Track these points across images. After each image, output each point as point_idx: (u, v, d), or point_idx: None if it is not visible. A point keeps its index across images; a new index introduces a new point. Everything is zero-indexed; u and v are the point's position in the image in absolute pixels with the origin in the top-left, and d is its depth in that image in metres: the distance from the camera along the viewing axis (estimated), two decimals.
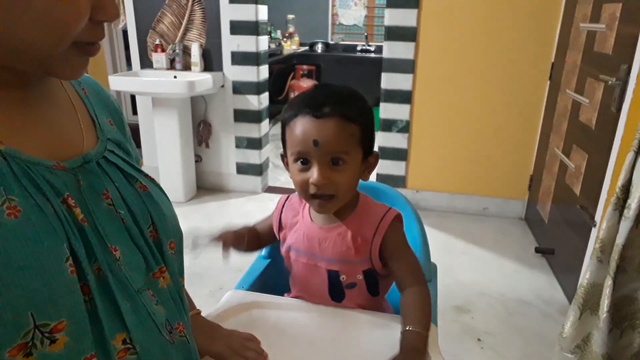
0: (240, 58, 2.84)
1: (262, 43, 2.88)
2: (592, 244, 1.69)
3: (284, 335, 0.83)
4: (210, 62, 2.89)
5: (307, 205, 0.90)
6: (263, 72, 2.94)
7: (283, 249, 0.95)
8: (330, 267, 0.88)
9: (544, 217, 2.39)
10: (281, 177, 3.41)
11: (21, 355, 0.40)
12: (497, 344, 1.73)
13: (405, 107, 2.69)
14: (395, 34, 2.58)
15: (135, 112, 3.58)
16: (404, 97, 2.67)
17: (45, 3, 0.41)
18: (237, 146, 3.05)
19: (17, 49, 0.43)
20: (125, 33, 3.48)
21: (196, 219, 2.70)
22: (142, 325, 0.51)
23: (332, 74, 5.14)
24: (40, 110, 0.50)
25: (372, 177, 2.72)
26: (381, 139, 2.78)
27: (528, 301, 1.99)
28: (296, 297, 0.95)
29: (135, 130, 2.86)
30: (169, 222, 0.59)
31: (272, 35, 5.00)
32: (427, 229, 1.20)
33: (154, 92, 2.71)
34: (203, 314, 0.83)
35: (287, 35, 5.28)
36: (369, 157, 0.86)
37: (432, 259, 1.17)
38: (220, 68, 2.89)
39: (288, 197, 0.97)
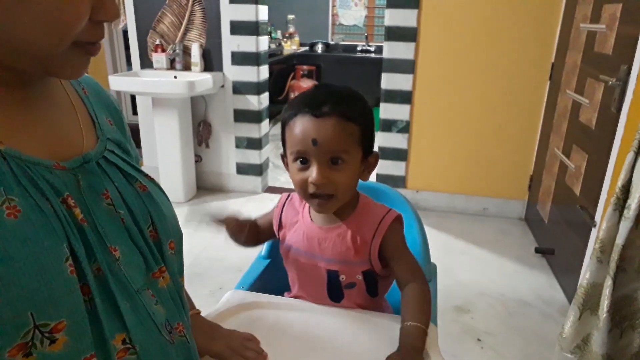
0: (240, 58, 2.85)
1: (262, 43, 2.88)
2: (592, 244, 1.69)
3: (283, 335, 0.83)
4: (211, 62, 2.89)
5: (307, 204, 0.90)
6: (263, 72, 2.94)
7: (282, 248, 0.95)
8: (330, 267, 0.88)
9: (544, 217, 2.39)
10: (281, 177, 3.41)
11: (21, 355, 0.40)
12: (497, 344, 1.73)
13: (405, 108, 2.69)
14: (396, 34, 2.58)
15: (135, 112, 3.58)
16: (404, 97, 2.68)
17: (45, 3, 0.41)
18: (237, 146, 3.05)
19: (18, 48, 0.43)
20: (125, 33, 3.48)
21: (196, 219, 2.70)
22: (141, 325, 0.51)
23: (332, 74, 5.14)
24: (40, 110, 0.50)
25: (372, 177, 2.72)
26: (381, 139, 2.78)
27: (528, 301, 1.99)
28: (295, 296, 0.95)
29: (135, 130, 2.86)
30: (168, 222, 0.59)
31: (272, 35, 5.00)
32: (427, 229, 1.20)
33: (154, 92, 2.71)
34: (203, 314, 0.83)
35: (287, 35, 5.28)
36: (368, 157, 0.86)
37: (432, 259, 1.17)
38: (220, 68, 2.89)
39: (289, 196, 0.97)
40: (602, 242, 1.34)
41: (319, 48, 5.30)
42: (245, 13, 2.74)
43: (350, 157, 0.81)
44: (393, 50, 2.61)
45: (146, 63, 2.99)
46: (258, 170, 3.08)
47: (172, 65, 2.92)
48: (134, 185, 0.57)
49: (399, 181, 2.84)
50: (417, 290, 0.83)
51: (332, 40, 5.49)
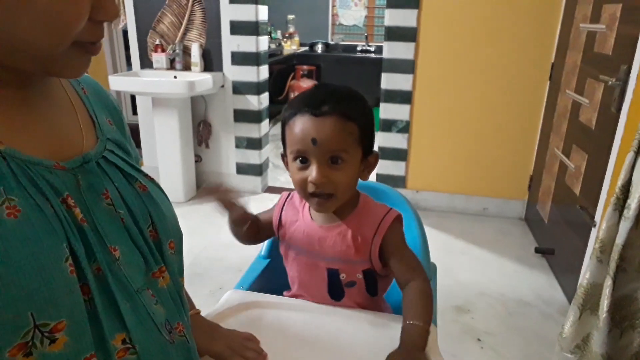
0: (240, 58, 2.85)
1: (262, 43, 2.88)
2: (592, 244, 1.69)
3: (283, 335, 0.83)
4: (210, 62, 2.89)
5: (308, 203, 0.90)
6: (263, 72, 2.94)
7: (282, 247, 0.95)
8: (330, 265, 0.88)
9: (544, 217, 2.39)
10: (281, 177, 3.41)
11: (21, 354, 0.40)
12: (497, 344, 1.73)
13: (405, 108, 2.69)
14: (396, 34, 2.58)
15: (135, 112, 3.58)
16: (404, 97, 2.68)
17: (45, 3, 0.41)
18: (237, 146, 3.05)
19: (18, 48, 0.43)
20: (125, 33, 3.48)
21: (196, 219, 2.70)
22: (141, 325, 0.51)
23: (332, 74, 5.14)
24: (40, 110, 0.50)
25: (372, 177, 2.72)
26: (381, 139, 2.78)
27: (528, 301, 1.99)
28: (295, 295, 0.95)
29: (135, 130, 2.86)
30: (168, 222, 0.59)
31: (272, 35, 5.00)
32: (427, 229, 1.20)
33: (154, 92, 2.71)
34: (203, 313, 0.83)
35: (287, 35, 5.28)
36: (368, 157, 0.86)
37: (432, 259, 1.17)
38: (220, 68, 2.89)
39: (289, 195, 0.97)
40: (602, 242, 1.34)
41: (319, 48, 5.30)
42: (245, 13, 2.74)
43: (349, 157, 0.81)
44: (393, 50, 2.61)
45: (146, 63, 2.99)
46: (258, 170, 3.08)
47: (172, 65, 2.92)
48: (133, 185, 0.57)
49: (399, 181, 2.84)
50: (418, 289, 0.83)
51: (332, 40, 5.49)
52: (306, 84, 4.75)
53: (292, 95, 4.69)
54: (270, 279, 1.08)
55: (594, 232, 1.70)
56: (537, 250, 2.36)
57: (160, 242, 0.57)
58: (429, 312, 0.80)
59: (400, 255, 0.87)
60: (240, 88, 2.91)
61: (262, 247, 1.14)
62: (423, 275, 0.86)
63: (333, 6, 5.46)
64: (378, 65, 2.83)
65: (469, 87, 2.60)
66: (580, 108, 1.99)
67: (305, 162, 0.81)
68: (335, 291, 0.90)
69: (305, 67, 4.98)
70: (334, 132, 0.78)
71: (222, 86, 2.92)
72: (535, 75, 2.51)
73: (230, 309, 0.89)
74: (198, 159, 3.09)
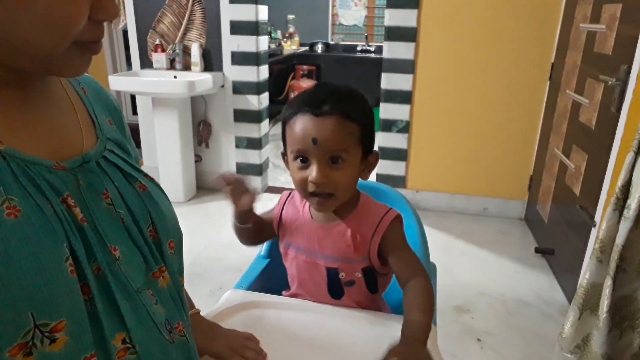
0: (240, 58, 2.85)
1: (262, 43, 2.88)
2: (592, 244, 1.69)
3: (283, 334, 0.83)
4: (210, 62, 2.89)
5: (308, 202, 0.90)
6: (263, 72, 2.94)
7: (282, 246, 0.95)
8: (330, 264, 0.88)
9: (544, 217, 2.39)
10: (281, 177, 3.41)
11: (21, 354, 0.40)
12: (497, 344, 1.73)
13: (405, 107, 2.69)
14: (395, 34, 2.58)
15: (135, 112, 3.58)
16: (404, 97, 2.68)
17: (45, 3, 0.41)
18: (237, 146, 3.05)
19: (18, 48, 0.43)
20: (125, 33, 3.48)
21: (196, 219, 2.70)
22: (141, 324, 0.51)
23: (332, 74, 5.14)
24: (40, 110, 0.50)
25: (372, 177, 2.72)
26: (381, 139, 2.78)
27: (528, 301, 1.99)
28: (295, 294, 0.95)
29: (135, 130, 2.86)
30: (168, 222, 0.59)
31: (272, 35, 5.00)
32: (427, 229, 1.20)
33: (154, 92, 2.71)
34: (203, 313, 0.83)
35: (287, 35, 5.28)
36: (368, 157, 0.86)
37: (432, 259, 1.17)
38: (220, 68, 2.89)
39: (290, 194, 0.97)
40: (602, 242, 1.34)
41: (319, 48, 5.30)
42: (245, 13, 2.74)
43: (350, 156, 0.81)
44: (393, 50, 2.61)
45: (146, 63, 2.99)
46: (258, 170, 3.08)
47: (172, 65, 2.92)
48: (133, 185, 0.57)
49: (398, 181, 2.84)
50: (420, 285, 0.82)
51: (332, 40, 5.49)
52: (306, 84, 4.75)
53: (292, 95, 4.68)
54: (270, 279, 1.08)
55: (594, 232, 1.70)
56: (537, 250, 2.36)
57: (160, 242, 0.57)
58: (430, 308, 0.80)
59: (400, 253, 0.87)
60: (240, 88, 2.91)
61: (262, 247, 1.14)
62: (424, 273, 0.85)
63: (333, 6, 5.46)
64: (378, 65, 2.83)
65: (469, 87, 2.60)
66: (580, 108, 1.99)
67: (305, 162, 0.81)
68: (335, 290, 0.90)
69: (305, 67, 4.98)
70: (335, 132, 0.78)
71: (222, 86, 2.92)
72: (535, 75, 2.51)
73: (229, 308, 0.89)
74: (198, 159, 3.09)
